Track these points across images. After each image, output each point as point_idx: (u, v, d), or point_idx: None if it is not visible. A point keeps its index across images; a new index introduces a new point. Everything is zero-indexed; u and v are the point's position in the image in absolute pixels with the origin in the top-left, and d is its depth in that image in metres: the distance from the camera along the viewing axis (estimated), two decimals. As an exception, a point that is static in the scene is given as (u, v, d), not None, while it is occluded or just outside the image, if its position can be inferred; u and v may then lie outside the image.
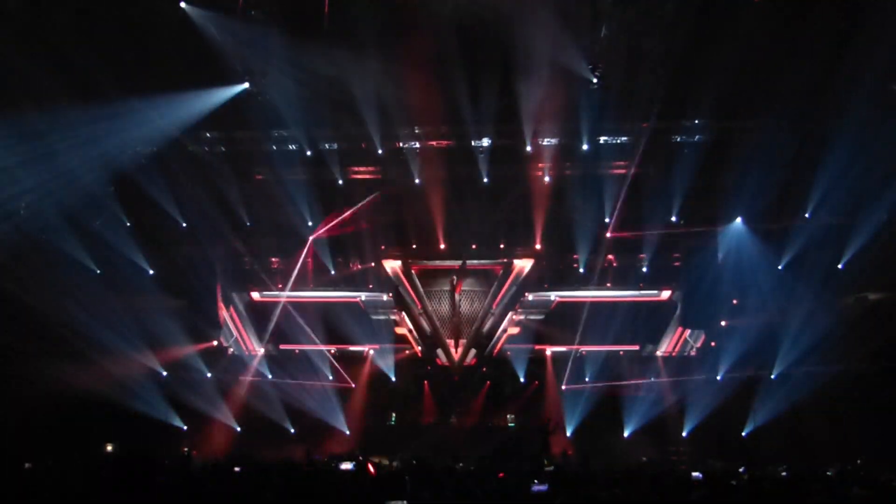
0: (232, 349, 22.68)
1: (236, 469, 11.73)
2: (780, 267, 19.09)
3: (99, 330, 18.12)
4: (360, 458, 16.82)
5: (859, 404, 17.82)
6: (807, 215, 18.21)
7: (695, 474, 12.71)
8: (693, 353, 21.86)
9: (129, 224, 19.46)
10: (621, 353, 22.16)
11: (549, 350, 22.60)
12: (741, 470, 16.09)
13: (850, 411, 17.87)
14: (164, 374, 20.52)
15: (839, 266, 18.03)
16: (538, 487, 6.77)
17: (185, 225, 20.07)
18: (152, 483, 4.37)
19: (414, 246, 22.12)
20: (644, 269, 21.53)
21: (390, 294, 22.60)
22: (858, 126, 15.70)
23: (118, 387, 18.60)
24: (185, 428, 20.86)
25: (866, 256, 17.37)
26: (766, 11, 14.10)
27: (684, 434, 20.63)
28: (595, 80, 15.61)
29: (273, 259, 22.44)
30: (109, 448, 19.34)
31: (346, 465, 13.94)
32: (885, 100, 15.75)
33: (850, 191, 16.94)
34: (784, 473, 14.13)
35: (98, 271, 18.90)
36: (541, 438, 18.62)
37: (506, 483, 8.81)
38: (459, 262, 22.34)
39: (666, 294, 21.92)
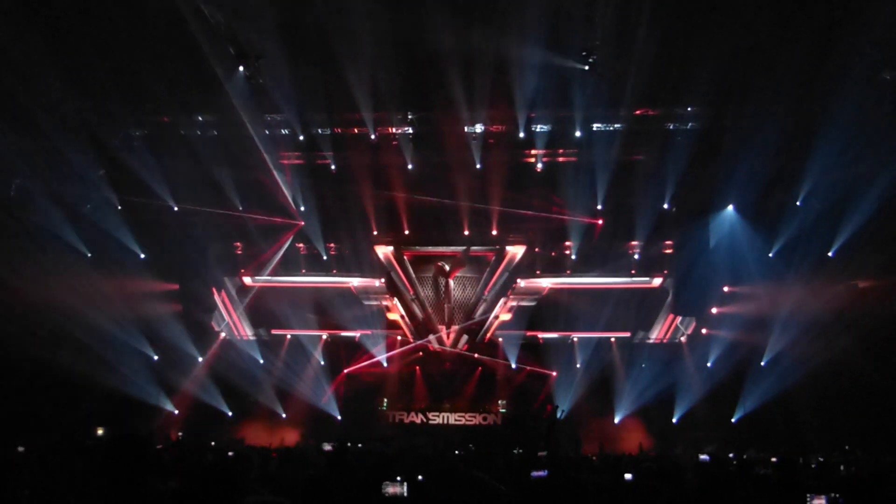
0: (223, 333, 22.68)
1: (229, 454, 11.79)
2: (770, 254, 19.17)
3: (90, 313, 18.06)
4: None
5: (848, 391, 17.94)
6: (798, 203, 18.26)
7: (702, 457, 12.85)
8: (684, 339, 21.97)
9: (120, 207, 19.36)
10: (612, 339, 22.25)
11: (540, 336, 22.66)
12: (731, 455, 16.26)
13: (839, 398, 18.01)
14: (156, 358, 20.53)
15: (829, 253, 18.11)
16: (538, 473, 6.77)
17: (176, 209, 19.99)
18: (147, 466, 4.35)
19: (406, 232, 22.12)
20: (636, 257, 21.62)
21: (382, 280, 22.62)
22: (850, 113, 15.72)
23: (109, 370, 18.53)
24: (177, 412, 20.90)
25: (857, 244, 17.45)
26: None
27: (675, 420, 20.78)
28: (588, 67, 15.54)
29: (265, 243, 22.37)
30: (101, 431, 19.35)
31: (327, 447, 14.05)
32: (877, 87, 15.78)
33: (841, 178, 17.00)
34: (773, 459, 14.24)
35: (89, 254, 18.83)
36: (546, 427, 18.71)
37: (504, 469, 8.85)
38: (452, 249, 22.38)
39: (657, 281, 22.02)
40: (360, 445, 16.68)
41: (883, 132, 15.99)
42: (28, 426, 16.20)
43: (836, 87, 15.65)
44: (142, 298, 19.96)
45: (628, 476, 9.18)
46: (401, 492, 6.54)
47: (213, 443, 17.24)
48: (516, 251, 22.31)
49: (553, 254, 22.40)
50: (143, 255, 20.06)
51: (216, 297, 22.38)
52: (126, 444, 4.25)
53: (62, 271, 17.82)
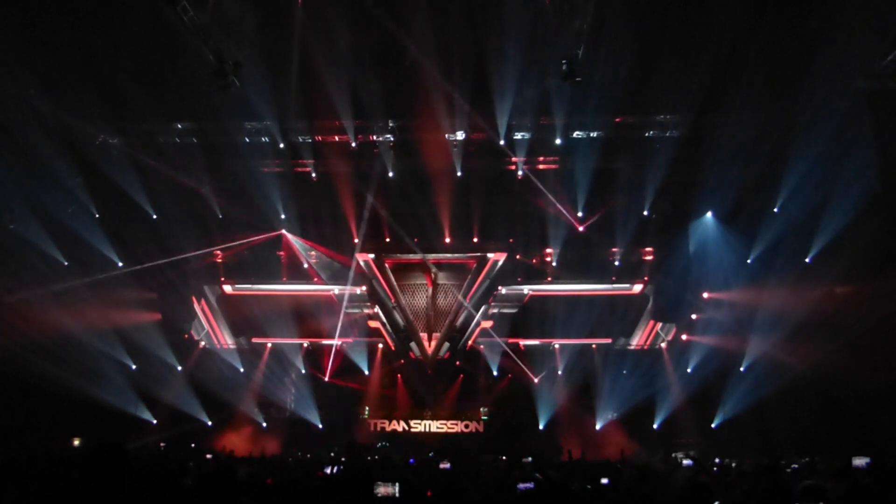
0: (203, 342, 22.48)
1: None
2: (749, 260, 19.32)
3: (67, 322, 17.82)
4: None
5: (826, 397, 18.09)
6: (776, 209, 18.44)
7: (686, 462, 12.93)
8: (664, 345, 22.07)
9: (97, 215, 19.14)
10: (594, 346, 22.33)
11: (522, 343, 22.69)
12: (716, 461, 16.35)
13: (818, 403, 18.16)
14: (134, 367, 20.28)
15: (807, 259, 18.28)
16: (524, 485, 6.74)
17: (155, 217, 19.81)
18: (127, 478, 4.29)
19: (388, 240, 22.06)
20: (616, 263, 21.71)
21: (364, 288, 22.54)
22: (827, 121, 15.91)
23: (86, 379, 18.28)
24: (155, 422, 20.68)
25: (833, 250, 17.63)
26: (738, 7, 14.22)
27: (655, 426, 20.85)
28: (568, 75, 15.60)
29: (245, 252, 22.25)
30: (77, 442, 19.08)
31: None
32: (854, 95, 15.99)
33: (818, 185, 17.17)
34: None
35: (66, 262, 18.60)
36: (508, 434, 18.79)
37: (490, 480, 8.83)
38: (433, 256, 22.37)
39: (638, 287, 22.13)
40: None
41: (858, 139, 16.19)
42: (1, 437, 15.96)
43: (813, 95, 15.85)
44: (119, 307, 19.72)
45: (605, 480, 9.25)
46: (392, 492, 6.56)
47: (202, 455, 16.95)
48: (497, 258, 22.33)
49: (534, 261, 22.44)
50: (120, 264, 19.83)
51: (196, 305, 22.20)
52: (105, 455, 4.18)
53: (38, 279, 17.57)
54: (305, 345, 22.87)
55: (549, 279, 22.32)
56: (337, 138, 19.35)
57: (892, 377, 16.52)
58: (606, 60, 15.45)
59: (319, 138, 19.53)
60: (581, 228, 20.78)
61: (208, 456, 15.84)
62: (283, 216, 20.81)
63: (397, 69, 16.24)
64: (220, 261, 22.40)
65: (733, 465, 14.66)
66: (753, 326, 19.25)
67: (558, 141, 18.76)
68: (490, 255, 22.36)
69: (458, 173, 19.70)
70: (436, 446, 19.64)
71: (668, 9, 14.56)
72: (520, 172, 19.96)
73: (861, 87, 16.03)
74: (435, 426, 22.16)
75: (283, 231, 21.32)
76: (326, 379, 22.45)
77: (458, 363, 22.67)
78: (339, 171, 20.33)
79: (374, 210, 21.21)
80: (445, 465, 12.04)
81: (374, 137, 19.40)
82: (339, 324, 22.29)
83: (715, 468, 13.62)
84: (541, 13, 14.45)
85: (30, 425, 17.51)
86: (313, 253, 22.28)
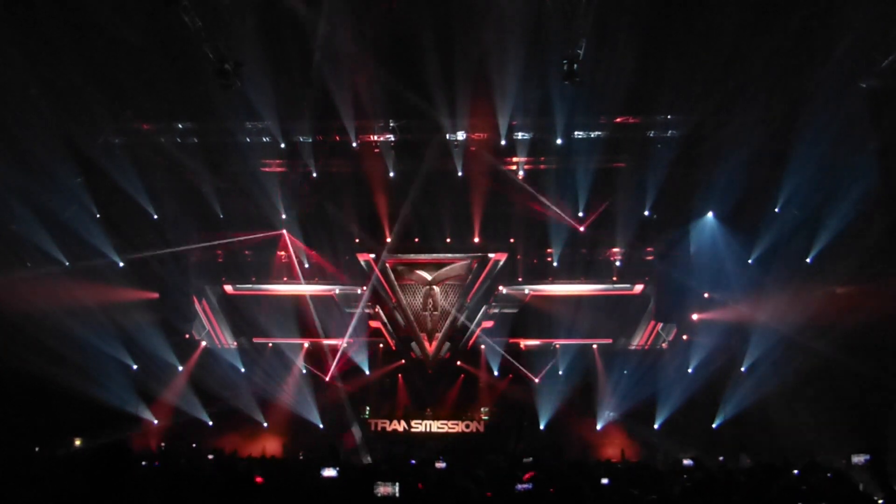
0: (204, 342, 22.47)
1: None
2: (750, 261, 19.33)
3: (67, 322, 17.82)
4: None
5: (827, 397, 18.10)
6: (776, 210, 18.44)
7: (686, 462, 12.96)
8: (665, 346, 22.06)
9: (98, 215, 19.14)
10: (594, 346, 22.32)
11: (523, 343, 22.68)
12: (720, 459, 16.38)
13: (818, 404, 18.16)
14: (135, 367, 20.26)
15: (808, 260, 18.29)
16: (522, 486, 6.75)
17: (156, 217, 19.81)
18: (130, 479, 4.29)
19: (388, 240, 22.07)
20: (617, 263, 21.70)
21: (364, 288, 22.53)
22: (827, 121, 15.91)
23: (87, 379, 18.26)
24: (156, 422, 20.68)
25: (834, 250, 17.64)
26: (739, 7, 14.22)
27: (656, 426, 20.83)
28: (570, 75, 15.59)
29: (246, 252, 22.25)
30: (78, 442, 19.07)
31: None
32: (854, 95, 15.99)
33: (818, 185, 17.18)
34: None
35: (66, 263, 18.60)
36: (515, 433, 18.73)
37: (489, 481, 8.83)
38: (434, 256, 22.37)
39: (639, 288, 22.12)
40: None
41: (859, 139, 16.20)
42: (3, 437, 15.95)
43: (814, 96, 15.85)
44: (120, 307, 19.70)
45: (605, 480, 9.25)
46: (392, 492, 6.58)
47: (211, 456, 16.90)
48: (498, 258, 22.33)
49: (535, 261, 22.43)
50: (121, 264, 19.83)
51: (197, 305, 22.20)
52: (108, 455, 4.18)
53: (39, 279, 17.56)
54: (306, 345, 22.84)
55: (550, 279, 22.31)
56: (338, 138, 19.33)
57: (892, 376, 16.55)
58: (608, 60, 15.45)
59: (320, 138, 19.52)
60: (581, 228, 20.78)
61: (210, 456, 15.85)
62: (283, 216, 20.82)
63: (398, 69, 16.25)
64: (220, 261, 22.39)
65: (734, 465, 14.72)
66: (754, 327, 19.25)
67: (559, 141, 18.74)
68: (491, 256, 22.36)
69: (459, 173, 19.69)
70: (437, 447, 19.64)
71: (669, 8, 14.58)
72: (520, 172, 19.95)
73: (862, 87, 16.03)
74: (435, 426, 22.15)
75: (284, 231, 21.30)
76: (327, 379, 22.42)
77: (458, 363, 22.65)
78: (339, 171, 20.33)
79: (374, 210, 21.20)
80: (441, 465, 12.05)
81: (375, 137, 19.39)
82: (339, 324, 22.30)
83: (716, 469, 13.63)
84: (542, 13, 14.44)
85: (30, 425, 17.50)
86: (314, 253, 22.26)
